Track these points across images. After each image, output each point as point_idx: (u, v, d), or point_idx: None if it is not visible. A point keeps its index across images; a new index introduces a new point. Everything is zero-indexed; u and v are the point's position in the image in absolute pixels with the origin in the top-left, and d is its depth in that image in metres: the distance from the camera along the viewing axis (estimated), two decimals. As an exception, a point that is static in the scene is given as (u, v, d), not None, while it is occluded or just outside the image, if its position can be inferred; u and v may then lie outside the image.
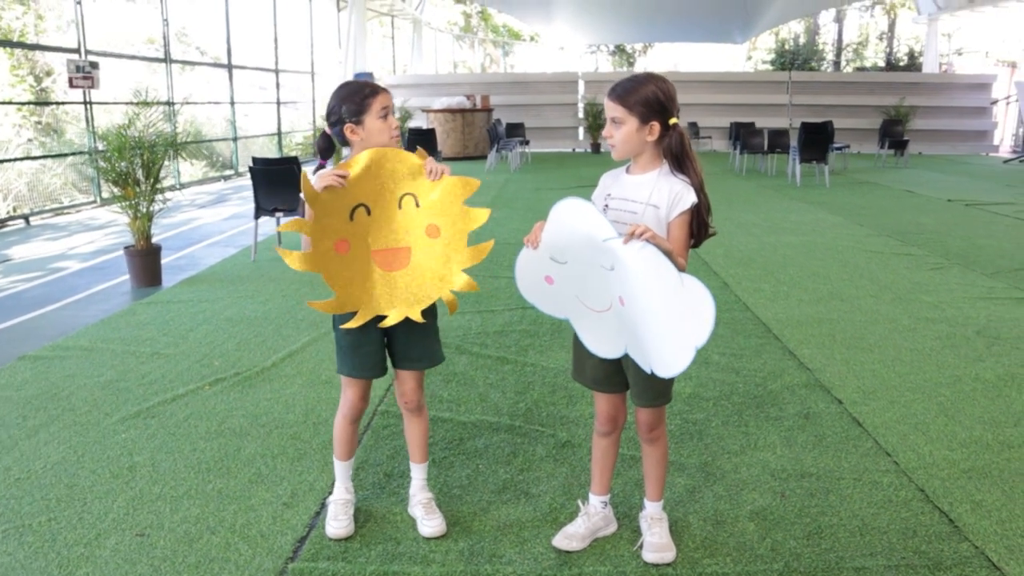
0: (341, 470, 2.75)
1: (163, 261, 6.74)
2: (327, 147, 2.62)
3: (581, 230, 2.22)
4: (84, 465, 3.16)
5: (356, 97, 2.45)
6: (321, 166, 2.57)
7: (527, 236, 2.37)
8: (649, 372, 2.23)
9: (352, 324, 2.49)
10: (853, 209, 9.90)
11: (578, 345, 2.52)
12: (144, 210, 6.11)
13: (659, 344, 2.15)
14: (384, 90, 2.51)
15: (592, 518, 2.63)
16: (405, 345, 2.60)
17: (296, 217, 2.52)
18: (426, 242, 2.50)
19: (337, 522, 2.65)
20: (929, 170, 15.06)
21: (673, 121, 2.28)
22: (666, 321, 2.11)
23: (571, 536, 2.59)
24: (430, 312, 2.58)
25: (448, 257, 2.52)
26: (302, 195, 2.41)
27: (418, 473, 2.77)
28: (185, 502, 2.87)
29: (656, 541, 2.50)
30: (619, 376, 2.46)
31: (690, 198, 2.25)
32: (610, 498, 2.70)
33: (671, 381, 2.40)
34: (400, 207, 2.47)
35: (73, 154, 11.54)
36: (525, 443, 3.33)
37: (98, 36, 12.56)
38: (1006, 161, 17.26)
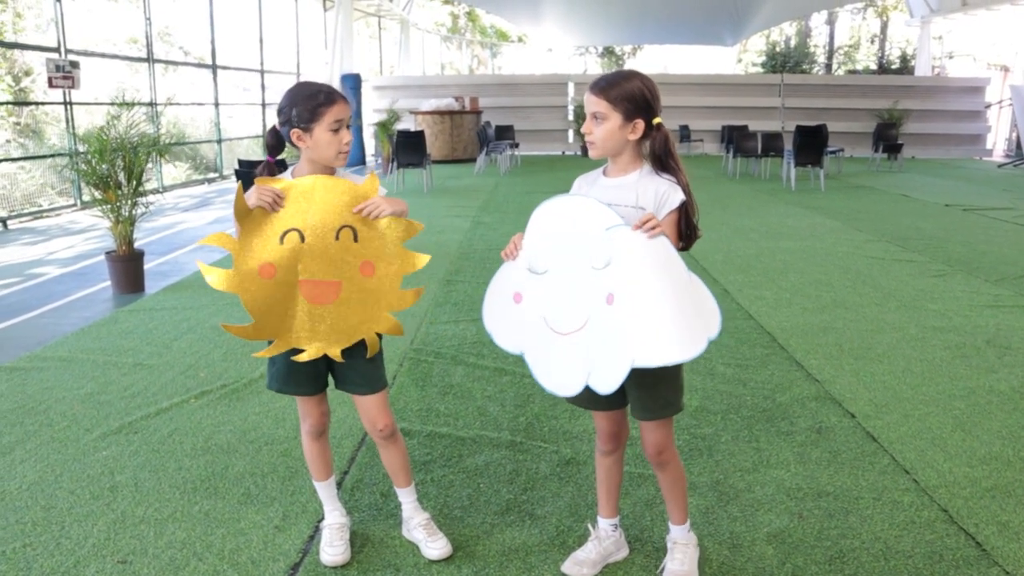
0: (324, 491, 2.59)
1: (146, 267, 6.56)
2: (276, 144, 2.41)
3: (574, 227, 2.09)
4: (62, 485, 2.98)
5: (309, 103, 2.25)
6: (268, 163, 2.40)
7: (504, 250, 2.24)
8: (624, 375, 2.02)
9: (265, 353, 2.36)
10: (850, 214, 9.81)
11: None
12: (126, 214, 5.92)
13: (664, 327, 1.99)
14: (342, 100, 2.30)
15: (603, 542, 2.48)
16: (345, 368, 2.43)
17: (219, 232, 2.33)
18: (358, 279, 2.34)
19: (333, 548, 2.49)
20: (924, 174, 15.02)
21: (657, 120, 2.16)
22: (676, 304, 1.99)
23: (581, 562, 2.44)
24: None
25: (379, 298, 2.36)
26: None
27: (407, 497, 2.61)
28: (170, 525, 2.70)
29: (676, 568, 2.35)
30: (617, 393, 2.30)
31: (677, 196, 2.13)
32: (620, 520, 2.55)
33: (679, 388, 2.25)
34: (337, 239, 2.30)
35: (52, 156, 11.30)
36: (527, 460, 3.17)
37: (79, 35, 12.32)
38: (1001, 166, 17.27)
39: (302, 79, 2.46)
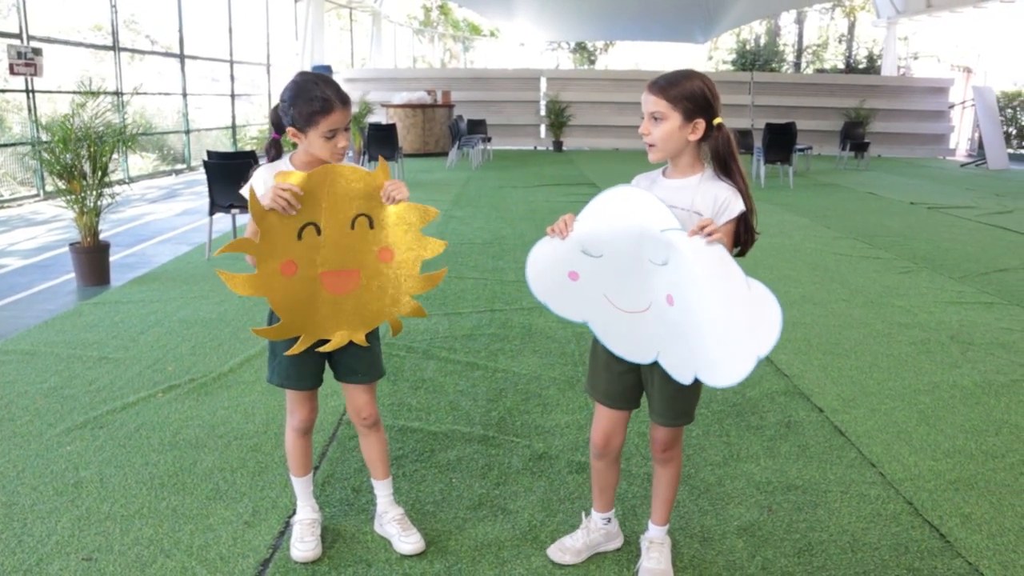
0: (301, 487, 2.57)
1: (112, 259, 6.43)
2: (280, 122, 2.36)
3: (632, 220, 2.04)
4: (24, 481, 2.92)
5: (305, 108, 2.23)
6: (274, 140, 2.40)
7: (551, 226, 2.19)
8: (690, 381, 2.06)
9: (295, 350, 2.34)
10: (818, 211, 9.92)
11: (595, 356, 2.35)
12: (91, 205, 5.81)
13: (716, 349, 1.98)
14: (340, 107, 2.25)
15: (592, 533, 2.50)
16: (348, 357, 2.43)
17: (238, 238, 2.29)
18: (377, 265, 2.35)
19: (303, 544, 2.47)
20: (889, 173, 15.24)
21: (718, 121, 2.10)
22: (727, 325, 1.95)
23: (566, 549, 2.47)
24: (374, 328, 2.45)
25: (399, 282, 2.38)
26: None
27: (384, 490, 2.60)
28: (137, 522, 2.66)
29: (654, 567, 2.36)
30: (633, 393, 2.31)
31: (738, 205, 2.07)
32: (615, 513, 2.56)
33: (695, 400, 2.26)
34: (352, 227, 2.29)
35: (13, 144, 11.06)
36: (500, 455, 3.17)
37: (42, 21, 12.06)
38: (963, 165, 17.57)
39: (306, 71, 2.41)
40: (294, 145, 2.37)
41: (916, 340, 4.68)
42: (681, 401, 2.22)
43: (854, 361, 4.31)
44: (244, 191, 2.24)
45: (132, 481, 2.93)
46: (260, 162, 2.44)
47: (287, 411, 2.52)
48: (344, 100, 2.27)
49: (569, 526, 2.64)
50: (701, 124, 2.09)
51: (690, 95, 2.07)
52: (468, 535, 2.60)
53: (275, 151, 2.43)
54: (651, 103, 2.10)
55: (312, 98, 2.23)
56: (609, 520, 2.53)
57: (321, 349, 2.36)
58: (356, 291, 2.34)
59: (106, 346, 4.44)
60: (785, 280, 6.13)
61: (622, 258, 2.10)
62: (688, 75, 2.11)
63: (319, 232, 2.26)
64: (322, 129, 2.24)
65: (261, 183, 2.27)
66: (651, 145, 2.13)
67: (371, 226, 2.31)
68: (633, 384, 2.28)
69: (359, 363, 2.44)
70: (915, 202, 10.92)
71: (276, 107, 2.35)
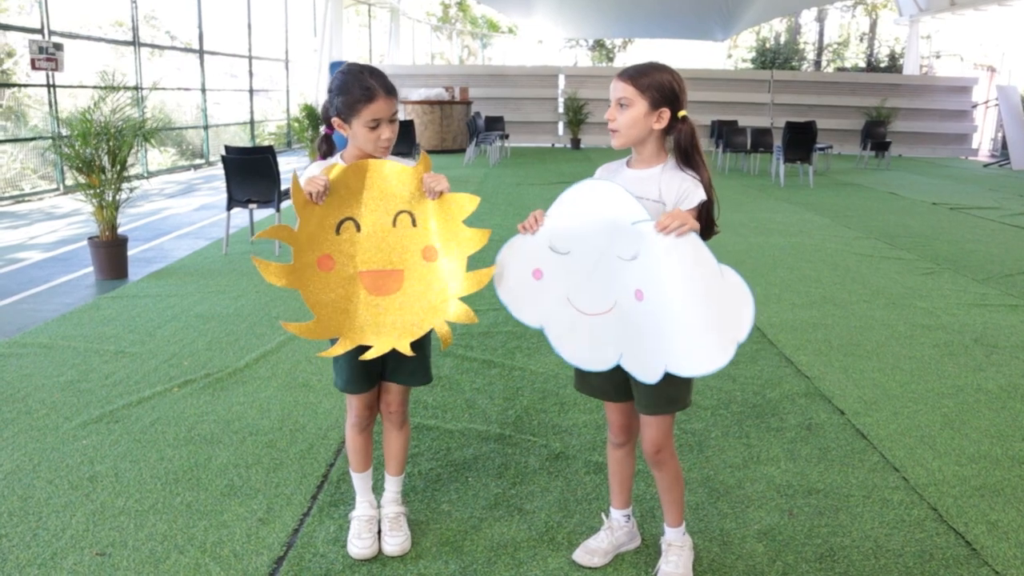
0: (360, 483, 2.54)
1: (130, 253, 6.46)
2: (328, 117, 2.34)
3: (602, 213, 2.04)
4: (40, 475, 2.92)
5: (348, 97, 2.20)
6: (326, 135, 2.37)
7: (522, 223, 2.18)
8: (657, 380, 2.05)
9: (331, 352, 2.27)
10: (839, 210, 9.82)
11: None
12: (110, 199, 5.83)
13: (692, 339, 1.97)
14: (383, 96, 2.20)
15: (615, 532, 2.47)
16: (400, 358, 2.36)
17: (277, 224, 2.25)
18: (421, 266, 2.26)
19: (360, 541, 2.45)
20: (911, 172, 15.08)
21: (683, 113, 2.13)
22: (703, 314, 1.95)
23: (593, 551, 2.43)
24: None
25: (445, 283, 2.27)
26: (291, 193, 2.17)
27: (393, 485, 2.58)
28: (151, 517, 2.64)
29: (671, 571, 2.32)
30: (627, 384, 2.27)
31: (698, 194, 2.10)
32: (633, 510, 2.52)
33: (689, 384, 2.21)
34: (394, 225, 2.23)
35: (34, 139, 11.13)
36: (516, 454, 3.14)
37: (63, 16, 12.15)
38: (986, 165, 17.36)
39: (353, 62, 2.37)
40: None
41: (939, 342, 4.60)
42: (671, 385, 2.12)
43: (876, 363, 4.24)
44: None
45: (147, 476, 2.92)
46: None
47: (347, 408, 2.50)
48: (389, 90, 2.23)
49: (586, 527, 2.60)
50: (666, 114, 2.12)
51: (658, 85, 2.10)
52: (484, 535, 2.57)
53: (326, 147, 2.38)
54: (619, 89, 2.13)
55: (356, 87, 2.20)
56: (628, 517, 2.50)
57: (363, 358, 2.25)
58: (399, 294, 2.24)
59: (123, 340, 4.44)
60: (805, 280, 6.06)
61: (589, 254, 2.10)
62: (658, 67, 2.14)
63: (358, 228, 2.21)
64: (365, 118, 2.20)
65: (304, 178, 2.22)
66: (615, 131, 2.15)
67: (413, 224, 2.24)
68: (623, 377, 2.22)
69: (411, 363, 2.37)
70: (937, 202, 10.79)
71: (327, 102, 2.32)
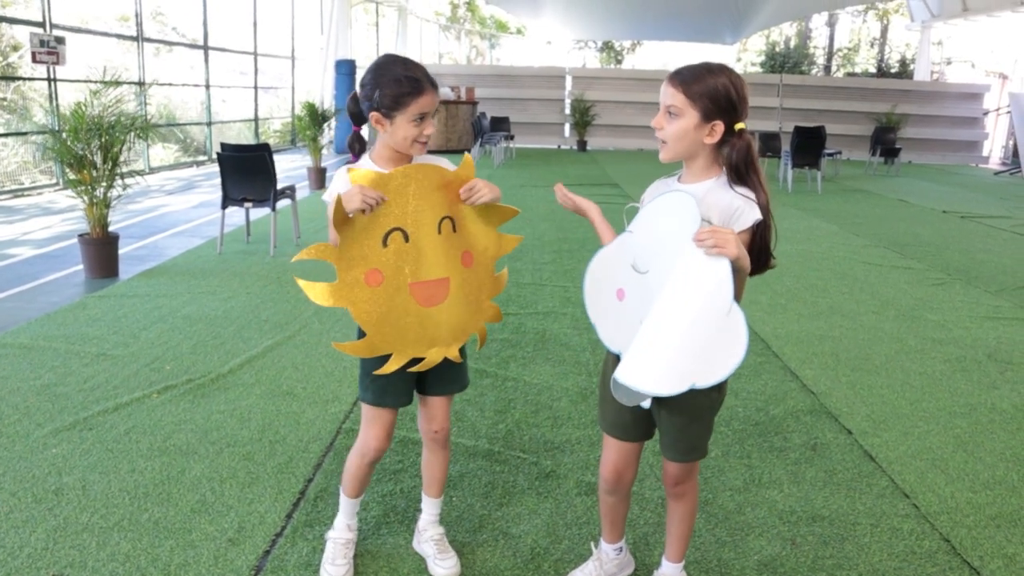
0: (350, 507, 2.37)
1: (123, 250, 6.35)
2: (359, 112, 2.16)
3: (677, 230, 1.80)
4: (3, 486, 2.77)
5: (394, 90, 2.03)
6: (356, 133, 2.21)
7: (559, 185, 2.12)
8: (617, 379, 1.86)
9: (386, 369, 2.13)
10: (847, 217, 9.64)
11: (604, 384, 2.13)
12: (101, 196, 5.69)
13: (657, 352, 1.79)
14: (431, 89, 2.05)
15: (605, 565, 2.31)
16: (439, 367, 2.23)
17: (317, 244, 2.08)
18: (462, 271, 2.17)
19: (335, 568, 2.30)
20: (920, 179, 14.88)
21: (740, 126, 1.87)
22: (688, 340, 1.76)
23: None
24: None
25: (480, 287, 2.22)
26: (329, 211, 2.00)
27: (431, 508, 2.44)
28: (115, 535, 2.50)
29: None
30: (644, 423, 2.09)
31: (752, 215, 1.83)
32: (625, 541, 2.37)
33: (707, 434, 2.04)
34: (439, 232, 2.10)
35: (26, 133, 11.00)
36: (505, 472, 2.98)
37: (67, 10, 12.04)
38: (997, 173, 17.13)
39: (389, 53, 2.19)
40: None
41: (951, 357, 4.43)
42: (691, 435, 2.01)
43: (885, 379, 4.08)
44: (327, 197, 2.06)
45: (115, 489, 2.77)
46: (365, 153, 2.24)
47: (361, 434, 2.29)
48: (434, 83, 2.08)
49: (575, 555, 2.45)
50: (720, 127, 1.86)
51: (712, 93, 1.84)
52: (466, 561, 2.41)
53: (359, 145, 2.22)
54: (668, 95, 1.89)
55: (401, 78, 2.03)
56: (620, 550, 2.34)
57: (414, 369, 2.16)
58: (447, 302, 2.14)
59: (106, 342, 4.30)
60: (812, 289, 5.89)
61: (662, 275, 1.86)
62: (715, 70, 1.87)
63: (407, 239, 2.06)
64: (412, 112, 2.03)
65: (344, 185, 2.05)
66: (663, 142, 1.93)
67: (454, 229, 2.14)
68: (643, 414, 2.07)
69: (451, 371, 2.27)
70: (948, 210, 10.60)
71: (353, 96, 2.14)
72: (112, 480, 2.84)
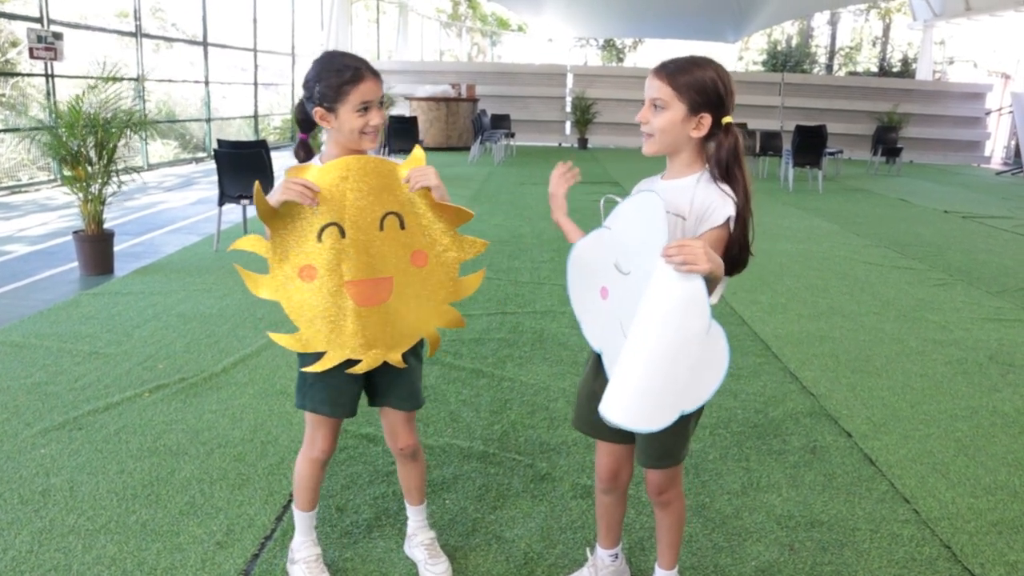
0: (305, 522, 2.29)
1: (120, 247, 6.31)
2: (306, 119, 2.11)
3: (654, 233, 1.74)
4: (-10, 487, 2.73)
5: (333, 79, 1.96)
6: (303, 141, 2.14)
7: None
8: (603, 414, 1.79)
9: (318, 367, 2.06)
10: (848, 217, 9.59)
11: (582, 384, 2.10)
12: (96, 192, 5.65)
13: (639, 388, 1.72)
14: (372, 76, 1.99)
15: (600, 571, 2.27)
16: (388, 381, 2.16)
17: (250, 235, 2.03)
18: (411, 271, 2.06)
19: None
20: (922, 179, 14.82)
21: (727, 120, 1.83)
22: (668, 368, 1.68)
23: None
24: (415, 347, 2.19)
25: (435, 289, 2.10)
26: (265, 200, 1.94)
27: (416, 515, 2.39)
28: (101, 537, 2.46)
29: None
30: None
31: (725, 211, 1.78)
32: (622, 548, 2.32)
33: (682, 441, 1.97)
34: (381, 229, 2.01)
35: (21, 130, 10.96)
36: (499, 474, 2.94)
37: (66, 6, 11.99)
38: (999, 173, 17.08)
39: (329, 49, 2.13)
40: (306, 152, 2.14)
41: (952, 359, 4.39)
42: (663, 442, 1.94)
43: (885, 381, 4.03)
44: (269, 195, 1.99)
45: (103, 490, 2.73)
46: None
47: (306, 438, 2.23)
48: (374, 72, 2.02)
49: (569, 560, 2.41)
50: (707, 120, 1.82)
51: (700, 86, 1.80)
52: (458, 566, 2.37)
53: (304, 153, 2.14)
54: (654, 88, 1.84)
55: (340, 68, 1.97)
56: (616, 556, 2.29)
57: (351, 371, 2.07)
58: (388, 303, 2.05)
59: (99, 340, 4.26)
60: (812, 290, 5.84)
61: (644, 280, 1.78)
62: (702, 63, 1.83)
63: (343, 234, 1.98)
64: (354, 101, 1.96)
65: (279, 187, 1.99)
66: (648, 135, 1.88)
67: (402, 226, 2.03)
68: None
69: (398, 387, 2.17)
70: (949, 210, 10.55)
71: (300, 102, 2.08)
72: (100, 481, 2.79)
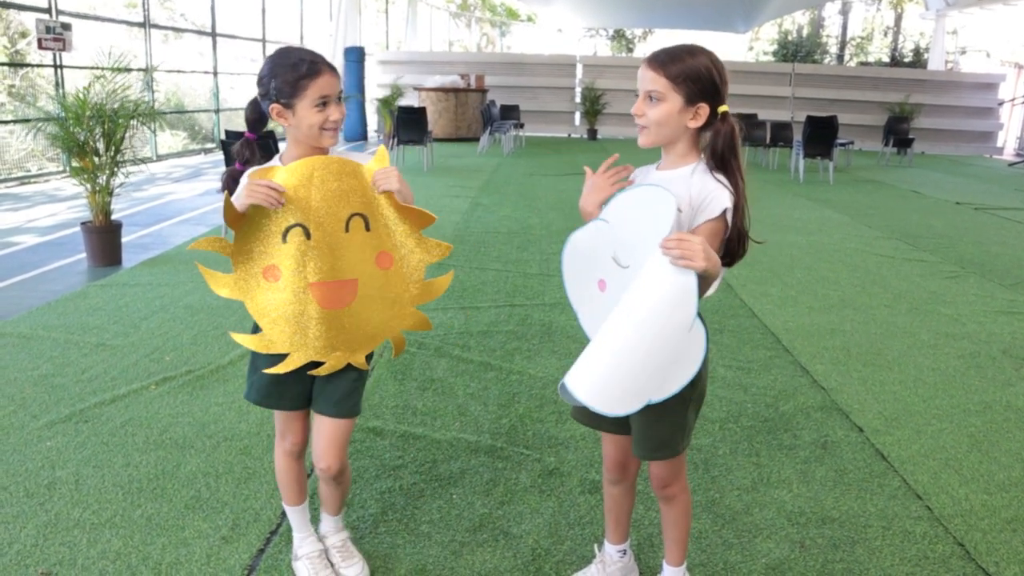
0: (298, 517, 2.27)
1: (128, 238, 6.31)
2: (257, 118, 2.04)
3: (658, 227, 1.72)
4: (-4, 480, 2.73)
5: (289, 74, 1.91)
6: (248, 141, 2.06)
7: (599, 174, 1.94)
8: (562, 388, 1.77)
9: (281, 368, 2.02)
10: (859, 208, 9.51)
11: None
12: (103, 183, 5.63)
13: (610, 371, 1.70)
14: (328, 70, 1.94)
15: (608, 568, 2.24)
16: (326, 383, 2.09)
17: (211, 236, 1.97)
18: (375, 273, 2.02)
19: None
20: (933, 170, 14.70)
21: (724, 109, 1.79)
22: (642, 357, 1.67)
23: None
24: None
25: (400, 291, 2.07)
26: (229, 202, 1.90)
27: (331, 522, 2.32)
28: (106, 532, 2.44)
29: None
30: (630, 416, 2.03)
31: (722, 202, 1.75)
32: (630, 544, 2.29)
33: (678, 433, 1.94)
34: (347, 230, 1.96)
35: (29, 120, 10.96)
36: (507, 469, 2.92)
37: (75, -3, 11.99)
38: (1011, 164, 16.91)
39: (283, 45, 2.08)
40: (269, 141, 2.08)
41: (965, 353, 4.34)
42: (659, 432, 1.91)
43: (897, 374, 3.99)
44: (233, 199, 1.93)
45: (109, 484, 2.72)
46: (280, 145, 2.14)
47: (276, 432, 2.22)
48: (331, 66, 1.96)
49: (577, 557, 2.38)
50: (704, 110, 1.79)
51: (695, 75, 1.77)
52: (464, 562, 2.35)
53: (248, 153, 2.06)
54: (648, 80, 1.80)
55: (295, 63, 1.92)
56: (625, 552, 2.27)
57: (313, 372, 2.04)
58: (354, 304, 2.01)
59: (106, 332, 4.25)
60: (823, 282, 5.79)
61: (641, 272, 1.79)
62: (695, 51, 1.80)
63: (308, 236, 1.93)
64: (312, 96, 1.91)
65: (242, 188, 1.95)
66: (642, 128, 1.84)
67: (367, 228, 1.99)
68: None
69: (338, 390, 2.08)
70: (961, 202, 10.45)
71: (253, 101, 2.01)
72: (106, 474, 2.78)
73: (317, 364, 2.04)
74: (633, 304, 1.69)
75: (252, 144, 2.07)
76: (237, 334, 2.07)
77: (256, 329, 2.06)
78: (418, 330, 2.14)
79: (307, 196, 1.93)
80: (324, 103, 1.93)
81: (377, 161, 2.02)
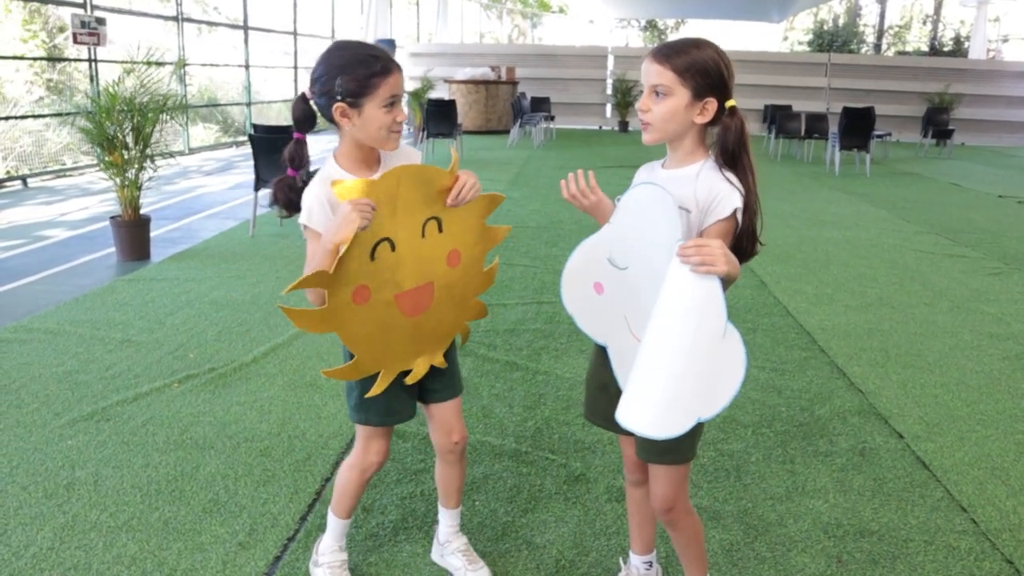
0: (339, 528, 2.21)
1: (158, 232, 6.33)
2: (306, 117, 1.90)
3: (655, 227, 1.66)
4: (16, 479, 2.70)
5: (360, 72, 1.78)
6: (298, 142, 1.91)
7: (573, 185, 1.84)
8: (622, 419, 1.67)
9: (377, 389, 1.97)
10: (897, 202, 9.27)
11: (590, 376, 2.02)
12: (132, 178, 5.64)
13: (655, 391, 1.61)
14: (398, 70, 1.84)
15: None
16: (431, 377, 2.09)
17: (310, 273, 1.80)
18: (447, 273, 1.99)
19: None
20: (974, 162, 14.32)
21: (731, 103, 1.71)
22: (681, 370, 1.58)
23: None
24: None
25: (466, 285, 2.06)
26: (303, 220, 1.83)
27: (451, 519, 2.30)
28: (123, 535, 2.40)
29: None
30: None
31: (732, 202, 1.68)
32: (657, 555, 2.20)
33: (689, 437, 1.78)
34: (424, 236, 1.92)
35: (59, 114, 11.05)
36: (532, 474, 2.83)
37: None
38: (1054, 155, 16.45)
39: (339, 39, 1.96)
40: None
41: (1010, 354, 4.17)
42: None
43: (939, 377, 3.84)
44: (304, 219, 1.84)
45: (127, 485, 2.68)
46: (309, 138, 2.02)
47: (359, 447, 2.12)
48: (399, 65, 1.87)
49: (603, 569, 2.30)
50: (712, 105, 1.70)
51: (702, 68, 1.68)
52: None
53: (300, 157, 1.92)
54: (654, 74, 1.71)
55: (365, 59, 1.80)
56: (651, 565, 2.18)
57: (407, 381, 2.02)
58: (432, 307, 1.98)
59: (131, 327, 4.24)
60: (860, 279, 5.63)
61: (644, 273, 1.72)
62: (700, 43, 1.71)
63: (393, 248, 1.86)
64: (383, 95, 1.80)
65: (319, 205, 1.83)
66: (647, 124, 1.76)
67: (440, 230, 1.95)
68: None
69: (441, 376, 2.11)
70: (1004, 195, 10.15)
71: (301, 98, 1.88)
72: (125, 475, 2.75)
73: (405, 374, 2.02)
74: (662, 321, 1.60)
75: (304, 146, 1.95)
76: (328, 370, 1.97)
77: (348, 355, 1.99)
78: (479, 319, 2.18)
79: (393, 209, 1.85)
80: (392, 103, 1.85)
81: (453, 167, 1.94)
